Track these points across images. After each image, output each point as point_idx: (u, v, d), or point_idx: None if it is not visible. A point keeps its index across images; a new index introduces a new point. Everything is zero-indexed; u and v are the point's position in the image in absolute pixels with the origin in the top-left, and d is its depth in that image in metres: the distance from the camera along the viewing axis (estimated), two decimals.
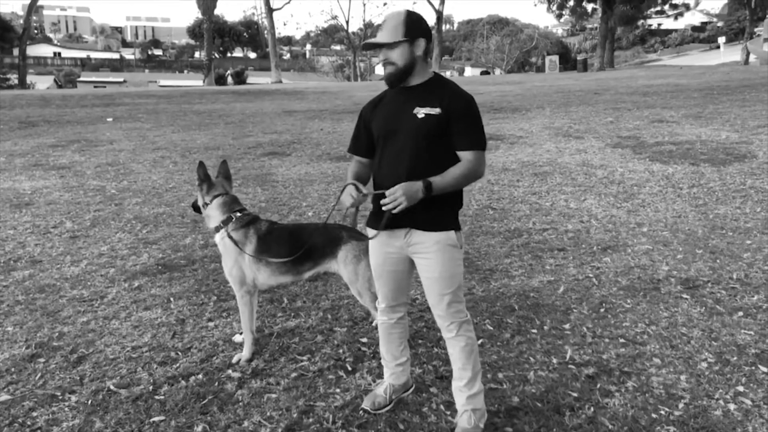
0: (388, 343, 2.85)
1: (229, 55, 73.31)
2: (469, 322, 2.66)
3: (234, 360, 3.31)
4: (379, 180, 2.60)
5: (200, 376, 3.18)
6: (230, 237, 3.22)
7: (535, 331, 3.64)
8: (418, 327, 3.68)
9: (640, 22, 54.59)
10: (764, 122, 10.47)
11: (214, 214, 3.33)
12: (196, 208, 3.52)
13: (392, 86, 2.57)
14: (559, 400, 2.91)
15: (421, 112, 2.48)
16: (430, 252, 2.54)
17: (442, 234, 2.53)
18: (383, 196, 2.45)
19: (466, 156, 2.49)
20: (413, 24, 2.46)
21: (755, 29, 38.44)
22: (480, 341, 3.44)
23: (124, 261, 4.98)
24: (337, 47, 65.84)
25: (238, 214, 3.30)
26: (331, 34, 63.03)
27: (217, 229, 3.30)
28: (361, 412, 2.83)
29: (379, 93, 2.72)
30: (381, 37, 2.46)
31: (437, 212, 2.51)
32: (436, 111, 2.46)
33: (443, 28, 46.88)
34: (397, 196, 2.39)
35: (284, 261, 3.18)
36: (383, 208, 2.45)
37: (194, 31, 67.35)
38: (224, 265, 3.32)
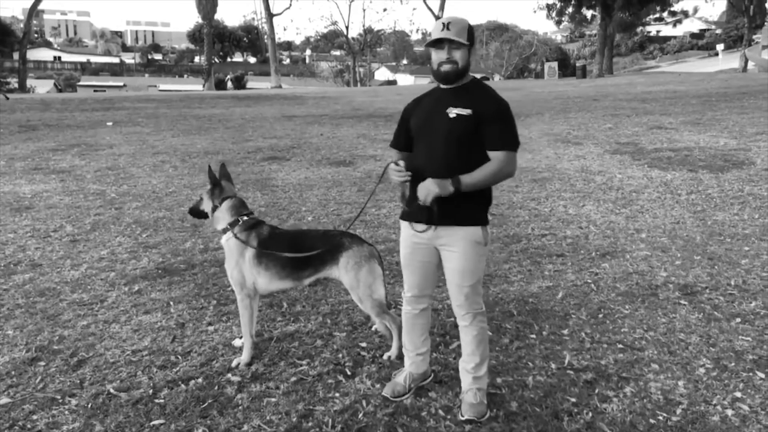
0: (411, 333, 2.98)
1: (229, 59, 73.55)
2: (484, 313, 2.82)
3: (234, 364, 3.32)
4: (416, 174, 2.71)
5: (200, 379, 3.19)
6: (236, 237, 3.27)
7: (533, 336, 3.65)
8: None
9: (638, 29, 54.87)
10: (762, 129, 10.52)
11: (223, 216, 3.38)
12: (195, 213, 3.55)
13: (446, 83, 2.69)
14: (558, 406, 2.92)
15: (453, 112, 2.61)
16: (455, 245, 2.67)
17: (469, 229, 2.66)
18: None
19: (496, 155, 2.61)
20: (472, 33, 2.63)
21: (753, 37, 38.58)
22: None
23: (124, 265, 4.99)
24: (337, 52, 65.98)
25: (245, 218, 3.35)
26: (331, 39, 63.19)
27: (225, 231, 3.34)
28: (361, 416, 2.84)
29: (422, 93, 2.86)
30: (455, 35, 2.57)
31: (465, 208, 2.64)
32: (467, 112, 2.59)
33: None
34: (427, 185, 2.55)
35: (290, 256, 3.21)
36: (420, 201, 2.60)
37: (194, 36, 67.52)
38: (227, 267, 3.36)
